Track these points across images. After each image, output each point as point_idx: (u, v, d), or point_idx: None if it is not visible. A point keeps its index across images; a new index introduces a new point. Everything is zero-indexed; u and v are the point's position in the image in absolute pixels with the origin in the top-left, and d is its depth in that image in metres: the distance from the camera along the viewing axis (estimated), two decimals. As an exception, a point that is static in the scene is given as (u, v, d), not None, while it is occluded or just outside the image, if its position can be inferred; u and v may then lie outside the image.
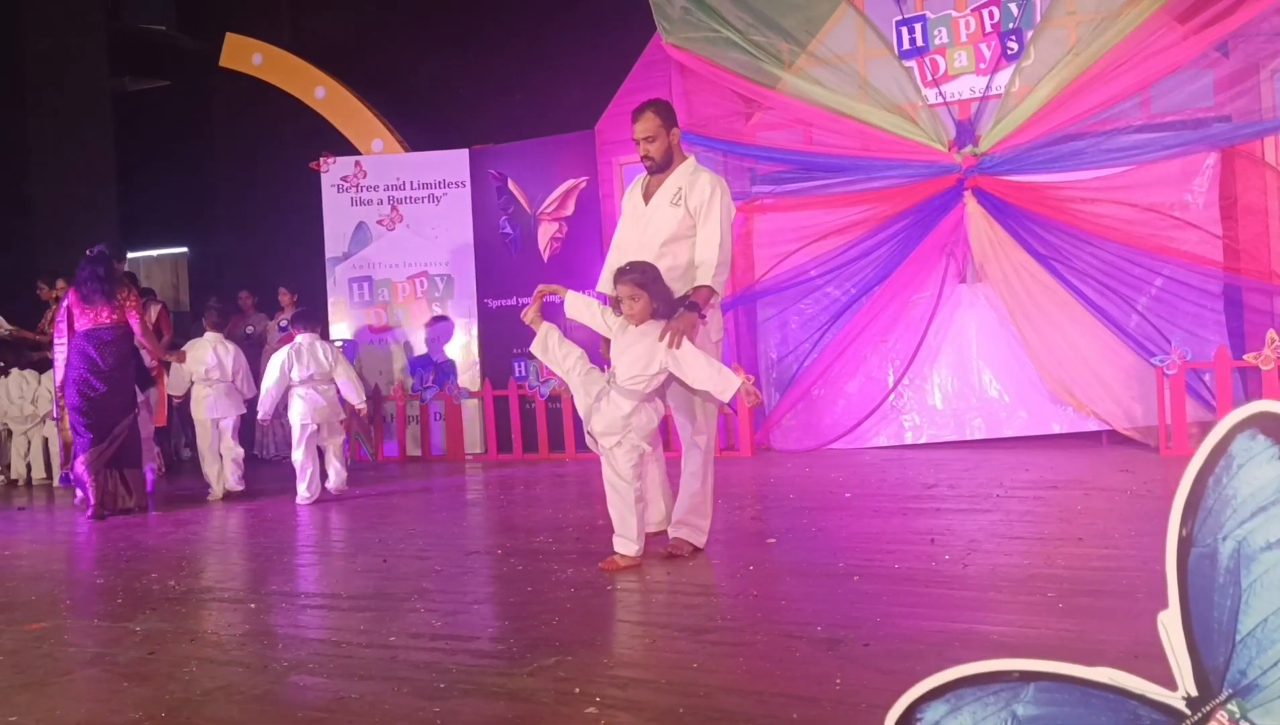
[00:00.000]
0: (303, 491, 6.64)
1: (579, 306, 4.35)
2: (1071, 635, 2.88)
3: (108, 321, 6.68)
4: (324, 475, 6.88)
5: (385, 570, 4.35)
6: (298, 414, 6.76)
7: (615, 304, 4.26)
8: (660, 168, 4.34)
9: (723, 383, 4.00)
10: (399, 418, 9.52)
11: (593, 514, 5.58)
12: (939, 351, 7.78)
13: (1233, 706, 1.21)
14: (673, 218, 4.25)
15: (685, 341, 4.02)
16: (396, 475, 8.23)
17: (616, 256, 4.43)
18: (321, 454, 6.95)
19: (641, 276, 4.03)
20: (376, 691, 2.73)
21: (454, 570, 4.28)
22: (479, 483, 7.46)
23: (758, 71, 7.95)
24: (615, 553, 4.11)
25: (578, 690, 2.64)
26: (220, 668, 3.03)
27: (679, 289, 4.20)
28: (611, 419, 4.07)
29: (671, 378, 4.17)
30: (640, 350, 4.04)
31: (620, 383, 4.07)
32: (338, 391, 7.00)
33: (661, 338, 4.02)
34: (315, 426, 6.77)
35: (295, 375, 6.78)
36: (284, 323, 10.29)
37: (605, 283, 4.49)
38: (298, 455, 6.71)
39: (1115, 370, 7.22)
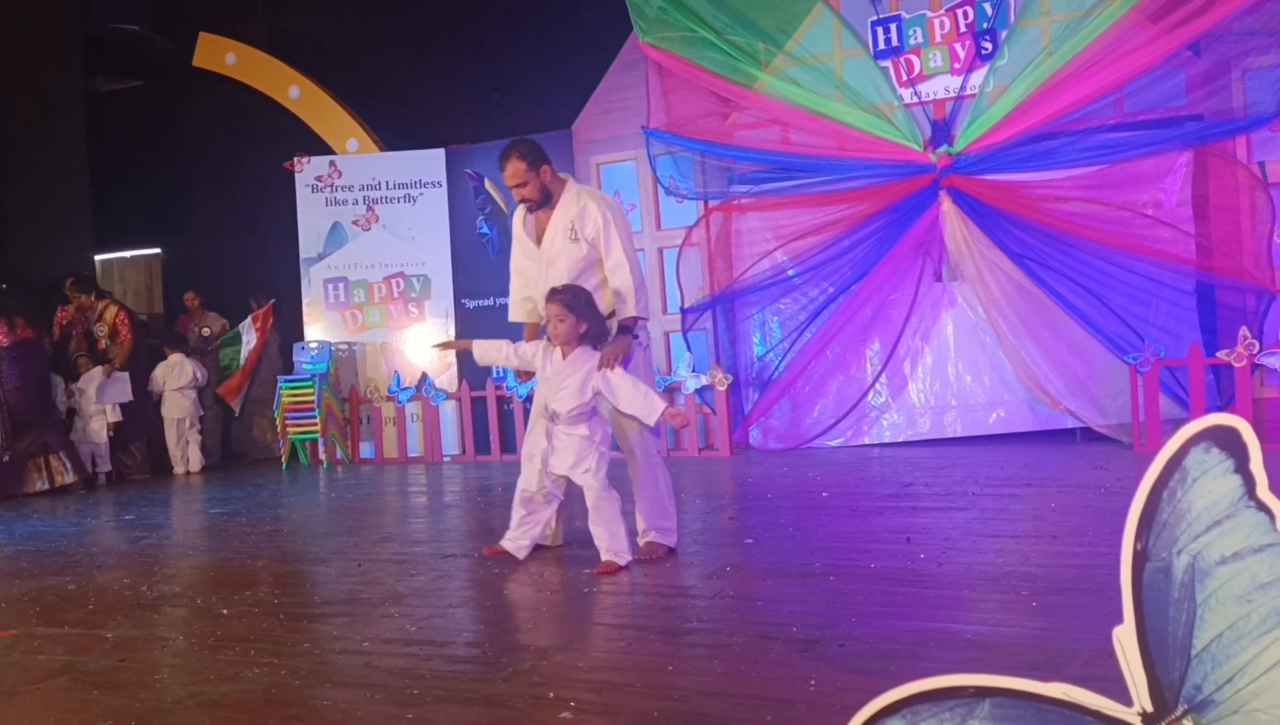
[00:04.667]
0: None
1: (490, 353, 4.45)
2: (1045, 634, 2.89)
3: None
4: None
5: (360, 575, 4.33)
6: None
7: (534, 332, 4.53)
8: (541, 204, 4.37)
9: (648, 407, 4.11)
10: (375, 420, 9.48)
11: (570, 515, 5.56)
12: (916, 350, 7.82)
13: (1188, 722, 1.21)
14: (575, 252, 4.30)
15: (627, 384, 4.13)
16: (373, 478, 8.19)
17: (524, 290, 4.56)
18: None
19: (572, 299, 4.13)
20: (350, 699, 2.71)
21: (430, 574, 4.26)
22: (456, 485, 7.43)
23: (735, 71, 7.96)
24: (612, 560, 4.12)
25: (552, 695, 2.62)
26: (192, 675, 3.00)
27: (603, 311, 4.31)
28: (574, 449, 4.15)
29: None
30: (574, 383, 4.14)
31: (563, 417, 4.16)
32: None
33: (601, 366, 4.14)
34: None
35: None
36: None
37: (515, 311, 4.68)
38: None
39: (1089, 368, 7.27)
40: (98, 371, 8.83)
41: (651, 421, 4.15)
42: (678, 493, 6.16)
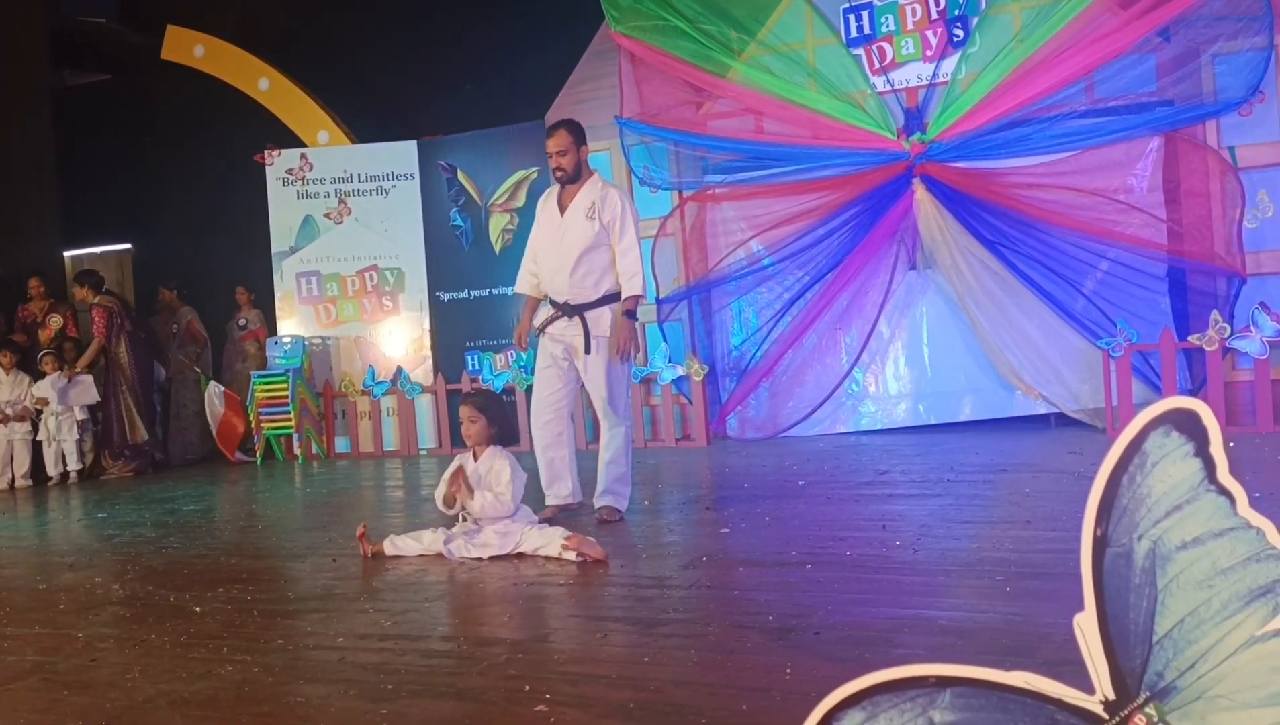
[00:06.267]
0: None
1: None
2: (1019, 619, 2.90)
3: None
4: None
5: (335, 570, 4.30)
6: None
7: (533, 306, 5.18)
8: (571, 179, 4.96)
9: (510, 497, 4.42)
10: (351, 414, 9.42)
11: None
12: (891, 338, 7.84)
13: (1150, 710, 1.21)
14: (589, 230, 4.87)
15: (602, 359, 4.88)
16: (348, 472, 8.15)
17: (536, 263, 5.12)
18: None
19: (483, 401, 4.49)
20: (323, 695, 2.69)
21: (405, 568, 4.24)
22: (432, 479, 7.38)
23: (708, 60, 7.95)
24: None
25: (528, 688, 2.61)
26: (163, 674, 2.97)
27: (599, 291, 4.91)
28: (498, 539, 4.32)
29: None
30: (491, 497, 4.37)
31: (485, 522, 4.37)
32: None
33: (613, 353, 4.87)
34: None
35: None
36: (243, 321, 10.16)
37: (522, 283, 5.24)
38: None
39: (1062, 354, 7.31)
40: (57, 376, 8.75)
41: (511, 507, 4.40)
42: (655, 484, 6.18)
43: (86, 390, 8.86)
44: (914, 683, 1.19)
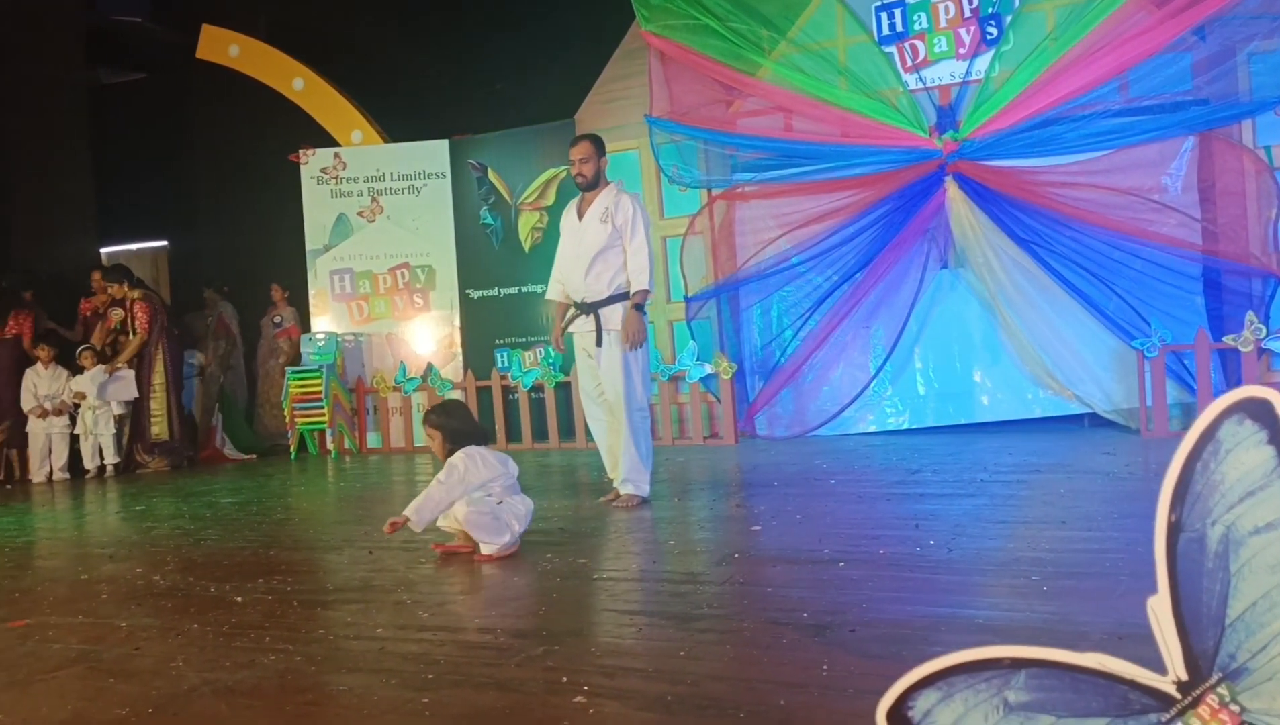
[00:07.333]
0: None
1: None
2: (1056, 618, 2.90)
3: None
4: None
5: (371, 562, 4.35)
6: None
7: (563, 310, 5.52)
8: (590, 186, 5.34)
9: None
10: (382, 409, 9.50)
11: (578, 503, 5.59)
12: (921, 337, 7.81)
13: (1222, 690, 1.22)
14: (603, 232, 5.23)
15: (615, 351, 5.20)
16: (380, 467, 8.21)
17: (559, 268, 5.49)
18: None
19: (437, 417, 4.49)
20: (365, 684, 2.72)
21: (440, 561, 4.27)
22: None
23: (737, 59, 7.95)
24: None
25: (565, 679, 2.64)
26: (206, 663, 3.02)
27: (611, 289, 5.25)
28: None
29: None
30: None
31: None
32: None
33: (625, 343, 5.19)
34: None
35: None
36: (278, 318, 10.27)
37: (552, 290, 5.59)
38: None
39: (1096, 353, 7.27)
40: (98, 371, 8.83)
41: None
42: (684, 481, 6.20)
43: (127, 385, 8.95)
44: (989, 664, 1.21)
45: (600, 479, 6.07)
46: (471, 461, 4.31)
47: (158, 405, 9.08)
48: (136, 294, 9.09)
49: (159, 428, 9.10)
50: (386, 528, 4.25)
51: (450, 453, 4.39)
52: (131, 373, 8.97)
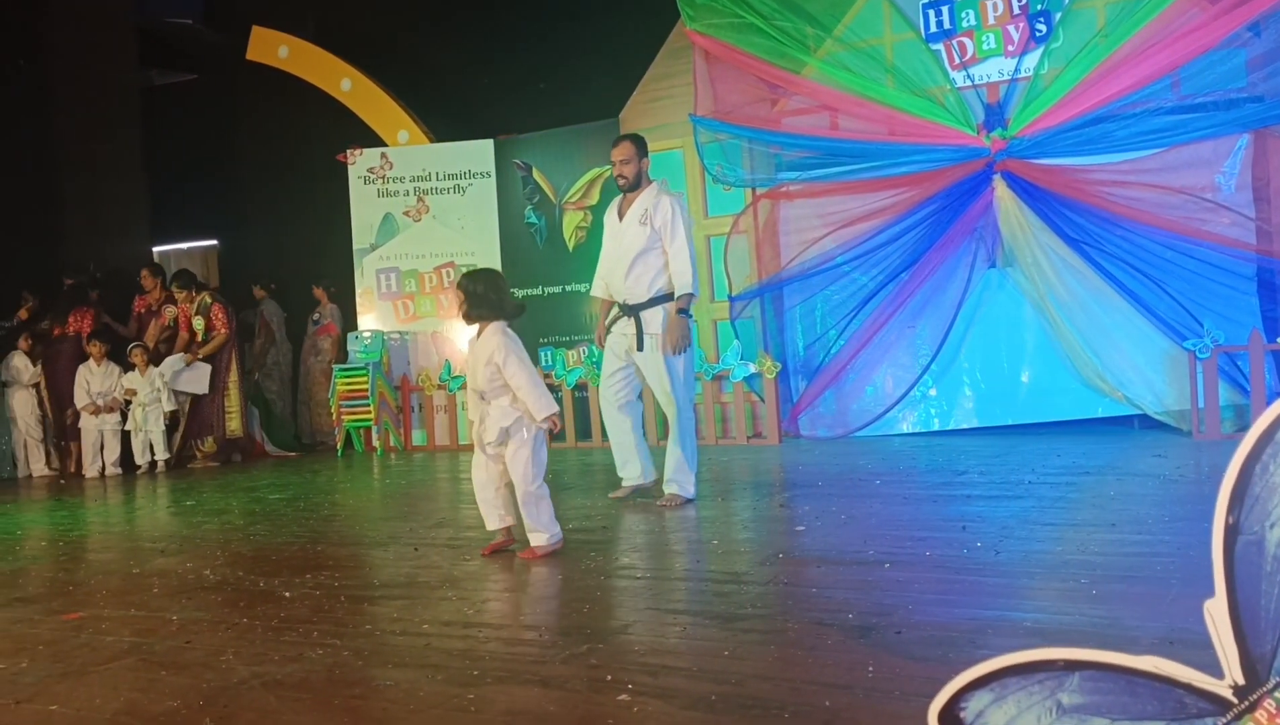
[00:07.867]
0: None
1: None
2: (1105, 622, 2.86)
3: None
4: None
5: (416, 559, 4.38)
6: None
7: (607, 308, 5.49)
8: (631, 187, 5.33)
9: (539, 403, 4.20)
10: (427, 407, 9.57)
11: (621, 503, 5.59)
12: (967, 337, 7.73)
13: None
14: (641, 235, 5.22)
15: (658, 356, 5.18)
16: (425, 464, 8.28)
17: (602, 267, 5.49)
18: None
19: (467, 282, 4.32)
20: (411, 679, 2.75)
21: (484, 560, 4.30)
22: (507, 472, 7.47)
23: (782, 57, 7.92)
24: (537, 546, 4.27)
25: (610, 677, 2.64)
26: (255, 656, 3.06)
27: (651, 291, 5.23)
28: (498, 419, 4.25)
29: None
30: (479, 355, 4.26)
31: (489, 396, 4.27)
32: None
33: (666, 349, 5.15)
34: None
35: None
36: (317, 316, 10.40)
37: (597, 288, 5.57)
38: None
39: (1147, 355, 7.16)
40: (177, 357, 9.01)
41: (539, 415, 4.20)
42: (727, 481, 6.19)
43: (199, 379, 9.13)
44: (1042, 666, 1.20)
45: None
46: (511, 338, 4.28)
47: (232, 402, 9.27)
48: (209, 297, 9.30)
49: (234, 423, 9.30)
50: (552, 425, 4.20)
51: (470, 319, 4.33)
52: (208, 368, 9.14)
